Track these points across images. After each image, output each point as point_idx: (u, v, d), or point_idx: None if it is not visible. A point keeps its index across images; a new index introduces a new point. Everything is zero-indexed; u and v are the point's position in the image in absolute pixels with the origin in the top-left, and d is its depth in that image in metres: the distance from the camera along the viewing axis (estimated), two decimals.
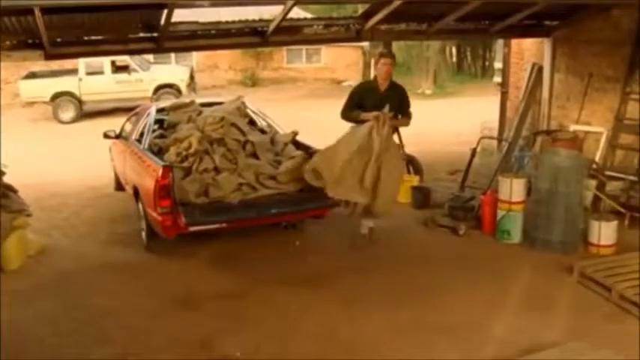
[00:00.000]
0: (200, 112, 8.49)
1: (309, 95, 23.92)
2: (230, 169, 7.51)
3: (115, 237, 8.16)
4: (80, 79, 19.39)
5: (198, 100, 9.28)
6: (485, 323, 5.54)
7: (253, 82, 26.04)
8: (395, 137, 7.97)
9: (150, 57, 21.22)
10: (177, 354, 5.25)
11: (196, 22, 8.41)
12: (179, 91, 19.95)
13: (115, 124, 10.35)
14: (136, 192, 7.76)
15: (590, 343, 4.93)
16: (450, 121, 16.23)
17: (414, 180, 9.53)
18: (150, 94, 19.53)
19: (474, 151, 8.98)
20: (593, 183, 8.14)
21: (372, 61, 25.44)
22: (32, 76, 19.60)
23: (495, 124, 12.10)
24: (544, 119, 10.27)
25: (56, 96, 19.12)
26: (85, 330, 5.66)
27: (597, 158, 8.80)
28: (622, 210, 7.68)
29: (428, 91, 24.11)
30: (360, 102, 7.53)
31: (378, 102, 7.30)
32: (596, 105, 9.31)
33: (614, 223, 7.09)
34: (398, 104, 7.45)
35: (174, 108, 8.95)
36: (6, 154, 8.07)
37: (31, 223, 7.70)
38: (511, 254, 7.17)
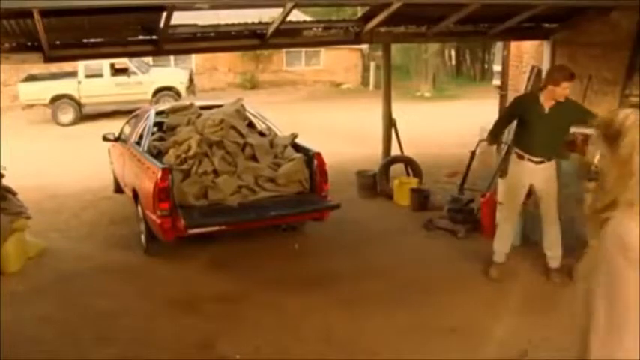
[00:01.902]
0: (199, 115, 8.50)
1: (309, 98, 23.94)
2: (229, 172, 7.53)
3: (114, 239, 8.17)
4: (79, 82, 19.42)
5: (198, 103, 9.30)
6: (485, 325, 5.54)
7: (252, 84, 26.06)
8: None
9: (149, 59, 21.27)
10: (176, 355, 5.25)
11: (195, 25, 8.42)
12: (178, 94, 19.99)
13: (114, 126, 10.36)
14: (135, 194, 7.77)
15: None
16: (449, 123, 16.25)
17: (413, 182, 9.55)
18: (149, 96, 19.57)
19: (472, 154, 8.98)
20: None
21: (372, 64, 25.51)
22: (31, 78, 19.62)
23: None
24: None
25: (55, 98, 19.15)
26: (84, 331, 5.67)
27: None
28: None
29: (427, 94, 24.14)
30: (520, 118, 6.42)
31: (540, 122, 6.19)
32: (595, 107, 9.25)
33: None
34: (568, 123, 6.32)
35: (174, 110, 8.97)
36: (5, 157, 8.07)
37: (31, 225, 7.71)
38: (510, 256, 7.16)
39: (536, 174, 6.34)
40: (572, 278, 6.28)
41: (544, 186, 6.39)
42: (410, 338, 5.40)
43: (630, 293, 2.10)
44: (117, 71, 19.78)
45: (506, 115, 6.73)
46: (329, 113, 18.71)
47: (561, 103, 6.19)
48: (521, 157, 6.37)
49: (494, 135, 6.81)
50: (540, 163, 6.30)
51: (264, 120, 8.88)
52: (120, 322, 5.83)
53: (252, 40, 8.78)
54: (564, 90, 6.10)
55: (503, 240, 6.64)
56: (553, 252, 6.55)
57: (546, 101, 6.21)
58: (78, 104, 19.37)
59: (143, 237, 7.58)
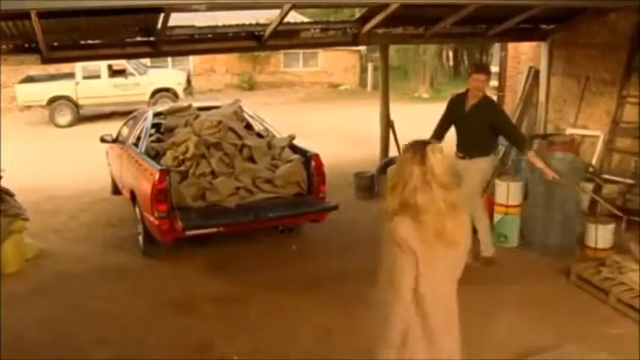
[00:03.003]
0: (197, 116, 8.49)
1: (306, 99, 23.93)
2: (227, 173, 7.52)
3: (112, 241, 8.16)
4: (77, 83, 19.38)
5: (195, 104, 9.28)
6: (483, 326, 5.53)
7: (250, 85, 26.05)
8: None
9: (147, 61, 21.24)
10: (174, 356, 5.26)
11: (193, 26, 8.42)
12: (176, 95, 19.96)
13: (112, 128, 10.34)
14: (133, 196, 7.76)
15: (588, 347, 4.94)
16: None
17: None
18: (147, 98, 19.53)
19: None
20: (589, 186, 8.15)
21: (369, 65, 25.53)
22: (29, 79, 19.57)
23: None
24: (541, 123, 10.28)
25: (53, 100, 19.11)
26: (82, 332, 5.67)
27: (594, 161, 8.81)
28: (619, 213, 7.68)
29: (425, 95, 24.14)
30: (450, 118, 6.85)
31: (461, 120, 6.72)
32: (593, 108, 9.32)
33: (611, 227, 7.09)
34: (485, 125, 6.57)
35: (171, 112, 8.96)
36: (3, 158, 8.06)
37: (28, 226, 7.69)
38: (508, 257, 7.17)
39: (464, 169, 6.61)
40: (569, 278, 6.34)
41: (466, 181, 6.59)
42: None
43: (406, 275, 2.86)
44: (114, 72, 19.73)
45: (443, 115, 6.92)
46: (327, 114, 18.69)
47: (482, 104, 6.57)
48: (456, 154, 6.76)
49: (435, 137, 6.73)
50: (463, 158, 6.68)
51: (262, 121, 8.87)
52: (118, 324, 5.83)
53: (250, 41, 8.78)
54: (475, 82, 6.54)
55: None
56: (484, 245, 6.86)
57: (468, 101, 6.63)
58: (75, 106, 19.32)
59: (141, 238, 7.57)
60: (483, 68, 6.86)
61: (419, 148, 2.89)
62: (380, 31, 9.26)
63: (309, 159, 7.72)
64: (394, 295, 2.93)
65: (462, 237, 2.96)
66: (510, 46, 11.74)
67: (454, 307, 3.16)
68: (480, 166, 6.66)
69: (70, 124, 19.05)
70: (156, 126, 8.73)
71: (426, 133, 14.28)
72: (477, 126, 6.58)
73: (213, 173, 7.49)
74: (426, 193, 2.81)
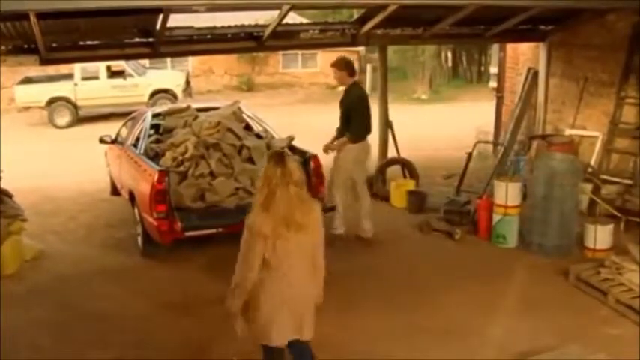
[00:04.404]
0: (196, 117, 8.49)
1: (305, 100, 23.94)
2: (226, 174, 7.52)
3: (111, 242, 8.15)
4: (76, 84, 19.39)
5: (194, 105, 9.27)
6: (482, 327, 5.54)
7: (249, 86, 26.05)
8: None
9: (145, 62, 21.24)
10: (174, 357, 5.26)
11: (192, 27, 8.42)
12: (175, 96, 19.97)
13: (111, 129, 10.34)
14: (132, 197, 7.76)
15: (587, 347, 4.94)
16: (446, 125, 16.26)
17: (410, 184, 9.55)
18: (146, 98, 19.53)
19: (469, 156, 9.00)
20: (588, 187, 8.15)
21: (368, 67, 25.52)
22: (28, 80, 19.57)
23: (491, 128, 12.13)
24: (539, 124, 10.29)
25: (52, 101, 19.12)
26: (81, 334, 5.67)
27: (592, 162, 8.81)
28: (617, 214, 7.69)
29: (423, 96, 24.14)
30: None
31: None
32: (592, 109, 9.33)
33: (610, 227, 7.10)
34: (344, 112, 7.64)
35: (170, 113, 8.95)
36: (2, 159, 8.05)
37: (27, 228, 7.68)
38: (507, 258, 7.18)
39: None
40: (568, 279, 6.34)
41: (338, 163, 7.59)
42: (406, 340, 5.40)
43: (255, 254, 3.89)
44: (113, 73, 19.74)
45: None
46: (326, 115, 18.55)
47: (347, 92, 7.60)
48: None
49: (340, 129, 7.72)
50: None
51: (261, 122, 8.87)
52: (117, 325, 5.82)
53: (249, 42, 8.78)
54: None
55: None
56: (365, 226, 7.73)
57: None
58: (74, 107, 19.33)
59: (140, 239, 7.57)
60: (334, 62, 7.83)
61: (280, 156, 3.91)
62: (379, 32, 9.26)
63: (307, 160, 7.70)
64: (246, 269, 3.91)
65: (309, 224, 3.88)
66: (509, 47, 11.75)
67: (306, 274, 4.07)
68: (346, 154, 7.50)
69: (69, 125, 19.07)
70: (155, 127, 8.72)
71: (425, 133, 14.30)
72: (342, 112, 7.52)
73: (212, 174, 7.48)
74: (283, 189, 3.76)
